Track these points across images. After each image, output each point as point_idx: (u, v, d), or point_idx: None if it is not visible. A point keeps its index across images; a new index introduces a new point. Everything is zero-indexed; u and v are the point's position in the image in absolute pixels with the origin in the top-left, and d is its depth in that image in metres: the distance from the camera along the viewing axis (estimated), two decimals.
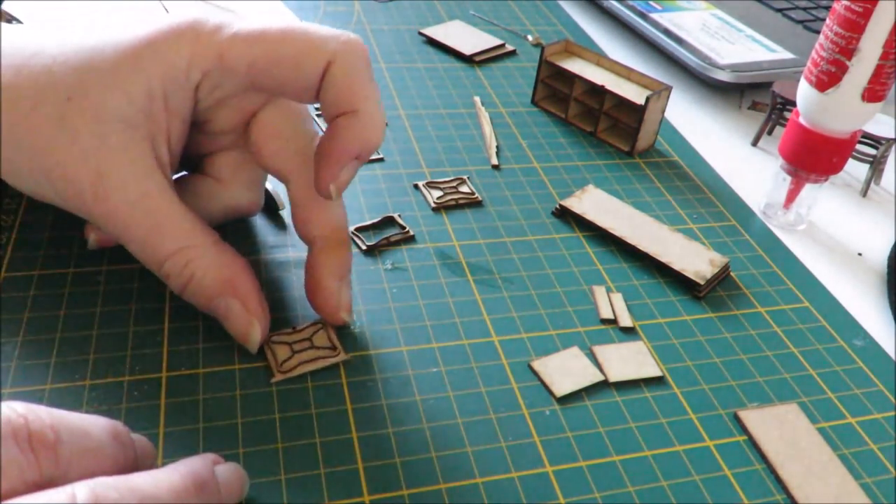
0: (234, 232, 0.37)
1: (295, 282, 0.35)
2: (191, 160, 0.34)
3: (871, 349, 0.36)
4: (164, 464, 0.24)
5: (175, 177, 0.32)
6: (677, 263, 0.38)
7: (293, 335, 0.31)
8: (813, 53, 0.39)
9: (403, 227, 0.39)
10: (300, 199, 0.32)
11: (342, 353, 0.31)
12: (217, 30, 0.28)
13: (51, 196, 0.29)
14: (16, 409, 0.20)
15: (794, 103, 0.48)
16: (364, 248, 0.37)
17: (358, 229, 0.38)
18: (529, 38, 0.60)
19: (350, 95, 0.28)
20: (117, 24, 0.29)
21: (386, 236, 0.38)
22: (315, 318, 0.32)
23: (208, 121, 0.31)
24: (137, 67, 0.27)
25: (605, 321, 0.35)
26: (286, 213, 0.38)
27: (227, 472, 0.24)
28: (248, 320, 0.30)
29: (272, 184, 0.39)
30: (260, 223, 0.38)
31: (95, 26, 0.29)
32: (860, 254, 0.43)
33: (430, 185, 0.42)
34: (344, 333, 0.32)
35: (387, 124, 0.47)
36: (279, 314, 0.33)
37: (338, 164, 0.29)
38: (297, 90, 0.29)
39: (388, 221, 0.39)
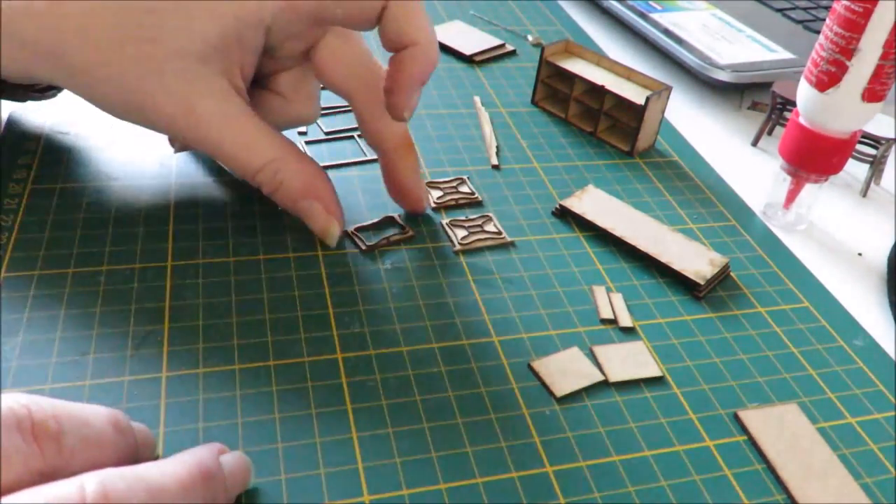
0: (235, 231, 0.37)
1: (295, 282, 0.35)
2: (255, 78, 0.36)
3: (871, 349, 0.36)
4: None
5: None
6: (677, 263, 0.38)
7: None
8: (813, 53, 0.39)
9: (403, 228, 0.38)
10: (367, 116, 0.36)
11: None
12: None
13: (144, 123, 0.33)
14: (18, 400, 0.20)
15: (794, 103, 0.48)
16: (364, 247, 0.37)
17: (358, 229, 0.38)
18: (529, 38, 0.60)
19: (409, 29, 0.31)
20: None
21: (386, 236, 0.38)
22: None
23: (275, 48, 0.34)
24: (212, 13, 0.31)
25: (605, 321, 0.35)
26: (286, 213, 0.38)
27: (233, 461, 0.24)
28: (328, 219, 0.35)
29: None
30: (260, 223, 0.38)
31: None
32: (860, 254, 0.43)
33: (430, 185, 0.42)
34: (344, 333, 0.32)
35: None
36: (282, 314, 0.33)
37: (408, 92, 0.33)
38: (360, 23, 0.32)
39: (389, 221, 0.39)
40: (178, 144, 0.39)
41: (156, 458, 0.26)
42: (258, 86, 0.37)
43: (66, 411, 0.21)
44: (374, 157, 0.44)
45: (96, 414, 0.22)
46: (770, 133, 0.52)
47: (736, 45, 0.57)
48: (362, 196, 0.41)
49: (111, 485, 0.19)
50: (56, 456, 0.20)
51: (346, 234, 0.38)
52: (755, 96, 0.57)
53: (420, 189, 0.38)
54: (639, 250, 0.38)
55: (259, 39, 0.33)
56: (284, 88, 0.37)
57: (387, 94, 0.33)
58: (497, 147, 0.46)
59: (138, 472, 0.21)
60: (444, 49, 0.57)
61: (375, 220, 0.39)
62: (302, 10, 0.32)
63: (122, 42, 0.30)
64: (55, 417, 0.20)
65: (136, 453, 0.23)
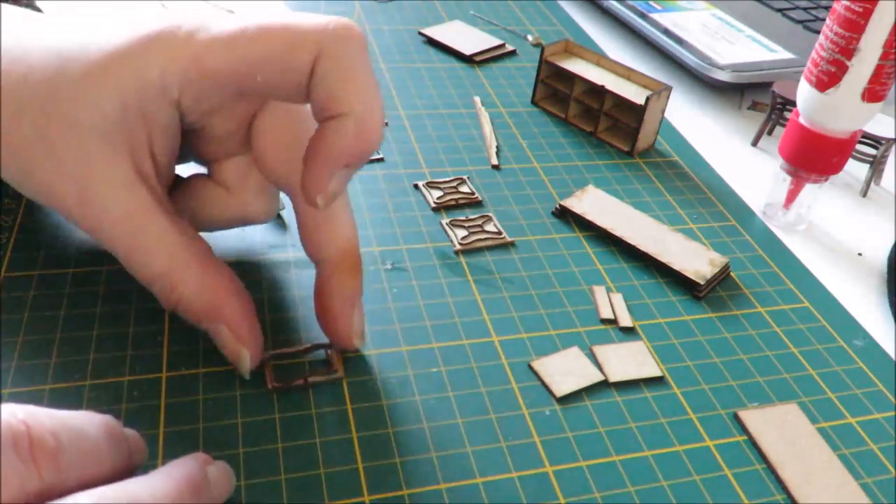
0: (235, 231, 0.37)
1: (295, 281, 0.34)
2: (201, 163, 0.32)
3: (871, 349, 0.36)
4: (163, 464, 0.24)
5: (185, 177, 0.32)
6: (677, 263, 0.38)
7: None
8: (813, 53, 0.39)
9: (331, 364, 0.31)
10: (308, 218, 0.30)
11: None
12: (191, 36, 0.25)
13: (49, 205, 0.28)
14: (16, 415, 0.20)
15: (794, 103, 0.48)
16: (270, 386, 0.29)
17: (277, 356, 0.31)
18: (529, 38, 0.60)
19: (341, 94, 0.25)
20: (102, 24, 0.27)
21: (304, 375, 0.30)
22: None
23: (203, 128, 0.29)
24: (107, 80, 0.26)
25: (605, 321, 0.35)
26: (286, 213, 0.38)
27: (217, 471, 0.24)
28: (237, 347, 0.28)
29: None
30: None
31: (82, 24, 0.27)
32: (860, 254, 0.43)
33: (430, 185, 0.42)
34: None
35: (386, 124, 0.47)
36: (281, 314, 0.33)
37: (326, 172, 0.26)
38: (288, 92, 0.26)
39: (316, 350, 0.31)
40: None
41: (148, 463, 0.26)
42: (206, 175, 0.32)
43: (63, 424, 0.21)
44: (374, 156, 0.44)
45: (92, 423, 0.22)
46: (770, 133, 0.52)
47: (736, 45, 0.57)
48: (362, 196, 0.41)
49: None
50: (53, 474, 0.20)
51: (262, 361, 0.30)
52: (755, 96, 0.57)
53: (351, 321, 0.30)
54: (639, 250, 0.38)
55: (168, 113, 0.27)
56: (228, 178, 0.31)
57: (303, 168, 0.27)
58: (497, 147, 0.46)
59: (129, 490, 0.21)
60: (444, 49, 0.57)
61: (300, 346, 0.31)
62: (213, 74, 0.26)
63: (18, 112, 0.26)
64: (53, 433, 0.20)
65: (130, 462, 0.23)
